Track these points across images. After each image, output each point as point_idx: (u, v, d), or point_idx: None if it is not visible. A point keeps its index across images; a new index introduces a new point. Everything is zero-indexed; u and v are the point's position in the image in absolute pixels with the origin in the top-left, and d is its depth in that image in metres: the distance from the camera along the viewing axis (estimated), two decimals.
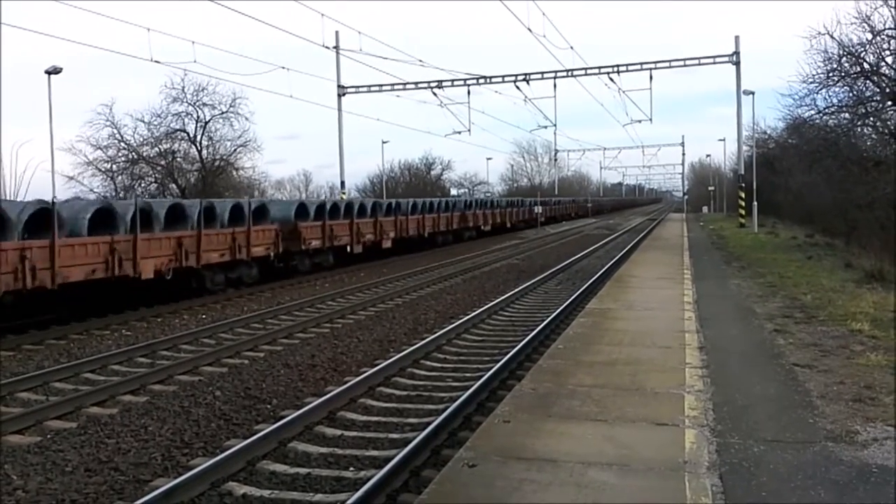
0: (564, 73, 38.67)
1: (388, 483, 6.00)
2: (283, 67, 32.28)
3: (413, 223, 31.47)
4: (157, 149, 50.47)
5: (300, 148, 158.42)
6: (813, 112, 26.33)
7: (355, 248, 25.80)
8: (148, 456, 7.12)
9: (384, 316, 15.22)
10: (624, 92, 37.30)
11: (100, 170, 48.00)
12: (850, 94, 24.41)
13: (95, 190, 46.45)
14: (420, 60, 34.93)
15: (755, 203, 40.41)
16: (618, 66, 37.85)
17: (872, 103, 23.49)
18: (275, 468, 6.64)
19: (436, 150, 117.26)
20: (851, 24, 25.13)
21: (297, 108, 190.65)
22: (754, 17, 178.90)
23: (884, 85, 22.76)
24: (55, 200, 15.01)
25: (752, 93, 42.49)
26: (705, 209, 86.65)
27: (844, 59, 23.37)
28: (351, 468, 6.67)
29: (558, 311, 14.16)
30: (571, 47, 36.82)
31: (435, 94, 40.64)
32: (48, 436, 7.79)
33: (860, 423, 5.99)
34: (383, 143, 67.30)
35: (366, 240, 26.55)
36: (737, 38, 38.29)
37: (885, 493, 4.63)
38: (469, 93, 40.72)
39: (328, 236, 23.75)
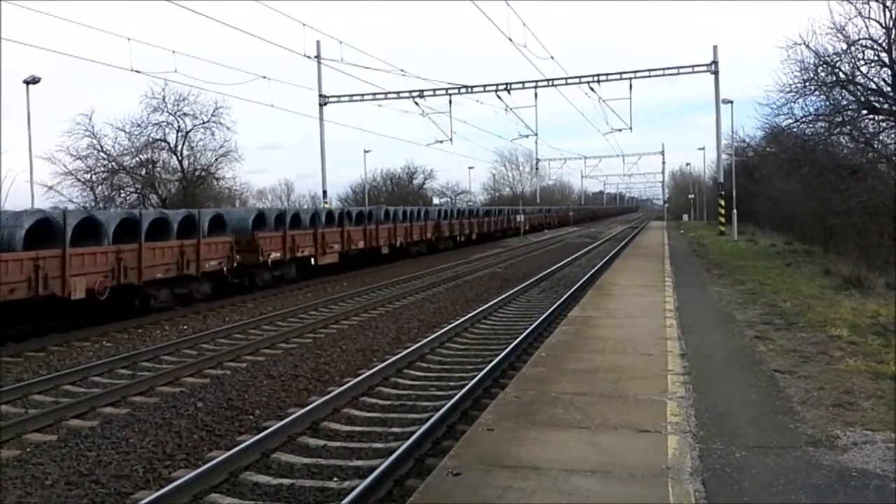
0: (545, 83, 38.85)
1: (372, 493, 5.99)
2: (265, 77, 32.26)
3: (384, 233, 29.99)
4: (137, 159, 50.01)
5: (282, 157, 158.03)
6: (790, 121, 26.71)
7: (320, 259, 24.45)
8: (129, 468, 7.06)
9: (367, 325, 15.18)
10: (604, 101, 37.52)
11: (79, 180, 47.48)
12: (827, 103, 24.78)
13: (75, 200, 45.94)
14: (402, 70, 34.99)
15: (735, 211, 40.80)
16: (598, 75, 38.10)
17: (848, 112, 23.82)
18: (258, 479, 6.60)
19: (418, 160, 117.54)
20: (827, 34, 25.60)
21: (279, 118, 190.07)
22: (732, 27, 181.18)
23: (859, 94, 23.09)
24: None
25: (731, 102, 43.15)
26: (685, 217, 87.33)
27: (820, 68, 23.73)
28: (335, 478, 6.64)
29: (541, 319, 14.20)
30: (552, 57, 36.63)
31: (417, 103, 40.70)
32: (28, 449, 7.70)
33: (840, 427, 6.06)
34: (365, 152, 66.84)
35: (333, 250, 25.26)
36: (715, 47, 38.75)
37: (865, 496, 4.69)
38: (451, 102, 40.75)
39: (290, 248, 22.41)
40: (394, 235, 31.13)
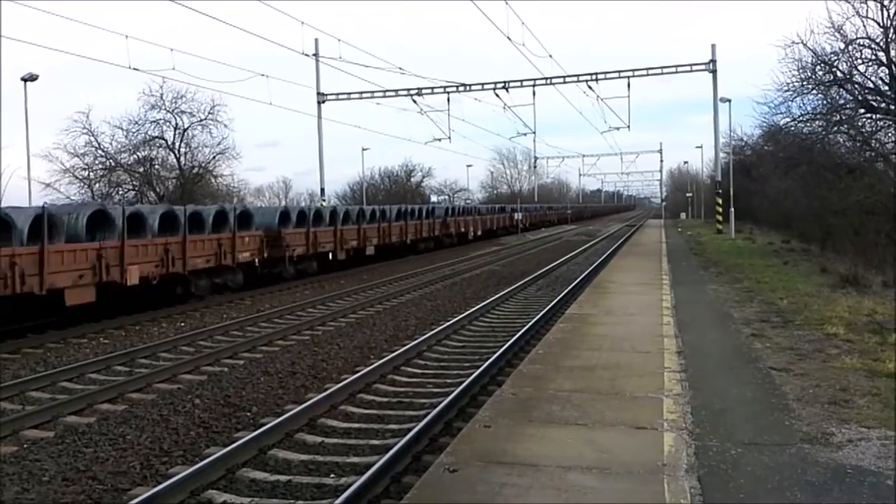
0: (543, 81, 38.80)
1: (368, 489, 6.00)
2: (263, 75, 32.23)
3: (206, 247, 18.55)
4: (134, 156, 49.96)
5: (280, 155, 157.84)
6: (788, 119, 26.73)
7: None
8: (126, 465, 7.06)
9: (365, 323, 15.19)
10: (602, 100, 37.47)
11: (77, 177, 47.41)
12: (824, 102, 24.78)
13: (72, 197, 45.87)
14: (400, 68, 35.00)
15: (732, 209, 40.82)
16: (596, 74, 38.05)
17: (846, 111, 23.84)
18: (255, 475, 6.60)
19: (416, 158, 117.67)
20: (824, 33, 25.60)
21: (277, 116, 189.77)
22: (731, 26, 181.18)
23: (857, 93, 23.11)
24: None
25: (729, 100, 43.20)
26: (683, 215, 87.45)
27: (818, 67, 23.74)
28: (332, 475, 6.65)
29: (538, 316, 14.21)
30: (550, 55, 36.56)
31: (415, 101, 40.61)
32: (25, 445, 7.70)
33: (835, 425, 6.08)
34: (363, 150, 66.75)
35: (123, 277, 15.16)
36: (713, 46, 38.69)
37: (860, 492, 4.71)
38: (449, 100, 40.61)
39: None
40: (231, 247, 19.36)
